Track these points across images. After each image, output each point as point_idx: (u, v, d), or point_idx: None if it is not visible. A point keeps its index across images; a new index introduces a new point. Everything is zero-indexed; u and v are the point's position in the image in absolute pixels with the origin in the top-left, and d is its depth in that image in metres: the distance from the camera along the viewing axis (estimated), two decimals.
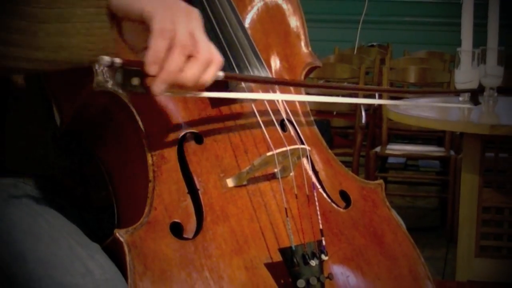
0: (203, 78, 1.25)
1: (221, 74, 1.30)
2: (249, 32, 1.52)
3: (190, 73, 1.22)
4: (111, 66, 1.21)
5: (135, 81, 1.24)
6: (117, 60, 1.20)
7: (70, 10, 1.18)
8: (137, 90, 1.25)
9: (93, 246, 1.31)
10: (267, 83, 1.52)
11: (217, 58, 1.26)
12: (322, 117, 5.27)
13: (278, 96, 1.52)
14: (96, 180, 1.49)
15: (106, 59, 1.19)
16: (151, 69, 1.20)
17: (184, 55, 1.21)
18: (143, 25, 1.21)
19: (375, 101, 4.06)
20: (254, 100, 1.46)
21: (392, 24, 7.89)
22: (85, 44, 1.20)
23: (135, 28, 1.24)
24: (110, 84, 1.34)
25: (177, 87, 1.25)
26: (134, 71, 1.23)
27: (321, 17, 7.31)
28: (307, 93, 1.62)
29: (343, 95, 4.29)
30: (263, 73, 1.49)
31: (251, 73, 1.47)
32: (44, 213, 1.37)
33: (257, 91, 1.48)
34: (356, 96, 4.42)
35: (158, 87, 1.21)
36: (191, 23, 1.23)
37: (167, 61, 1.20)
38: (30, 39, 1.17)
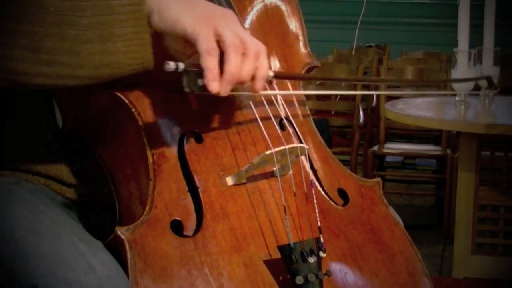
0: (259, 71, 1.30)
1: (271, 73, 1.37)
2: (248, 32, 1.52)
3: (247, 69, 1.28)
4: (176, 70, 1.26)
5: (200, 82, 1.28)
6: (181, 65, 1.26)
7: (110, 31, 1.22)
8: (203, 91, 1.30)
9: (95, 243, 1.31)
10: (302, 79, 1.62)
11: (263, 48, 1.32)
12: (320, 117, 5.27)
13: (292, 92, 1.56)
14: (97, 178, 1.49)
15: (171, 65, 1.25)
16: (213, 86, 1.26)
17: (240, 54, 1.27)
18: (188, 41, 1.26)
19: (374, 92, 4.05)
20: (253, 98, 1.46)
21: (390, 25, 7.88)
22: (125, 60, 1.24)
23: (180, 42, 1.28)
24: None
25: (239, 85, 1.31)
26: (198, 72, 1.28)
27: (319, 18, 7.31)
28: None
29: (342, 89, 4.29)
30: None
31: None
32: (46, 211, 1.37)
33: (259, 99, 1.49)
34: (355, 89, 4.43)
35: (224, 89, 1.27)
36: (232, 24, 1.29)
37: (227, 65, 1.26)
38: (74, 59, 1.21)
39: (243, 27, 1.33)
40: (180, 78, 1.32)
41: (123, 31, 1.22)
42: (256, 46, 1.30)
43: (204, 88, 1.28)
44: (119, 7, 1.22)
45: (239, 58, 1.27)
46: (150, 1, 1.24)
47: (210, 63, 1.24)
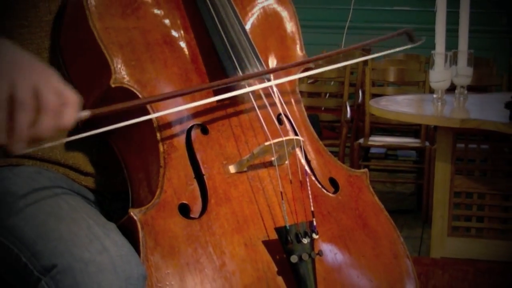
0: (62, 123, 1.11)
1: (85, 113, 1.19)
2: (250, 35, 1.52)
3: (44, 124, 1.09)
4: None
5: None
6: None
7: None
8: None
9: (109, 225, 1.31)
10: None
11: (71, 99, 1.12)
12: (311, 112, 5.26)
13: (270, 83, 1.51)
14: (112, 167, 1.49)
15: None
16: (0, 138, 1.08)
17: (28, 111, 1.07)
18: None
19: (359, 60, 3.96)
20: (254, 95, 1.46)
21: (374, 30, 7.84)
22: None
23: None
24: (126, 81, 1.34)
25: (38, 140, 1.11)
26: None
27: (311, 23, 7.28)
28: (300, 90, 1.62)
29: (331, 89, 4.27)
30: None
31: (252, 72, 1.46)
32: (65, 197, 1.37)
33: (254, 84, 1.47)
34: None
35: (16, 148, 1.09)
36: (31, 78, 1.09)
37: (14, 124, 1.07)
38: None
39: (57, 80, 1.12)
40: None
41: None
42: (58, 99, 1.10)
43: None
44: None
45: (28, 115, 1.07)
46: None
47: None
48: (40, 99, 1.08)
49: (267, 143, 1.38)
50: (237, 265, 1.32)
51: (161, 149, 1.37)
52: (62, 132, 1.16)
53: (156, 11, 1.45)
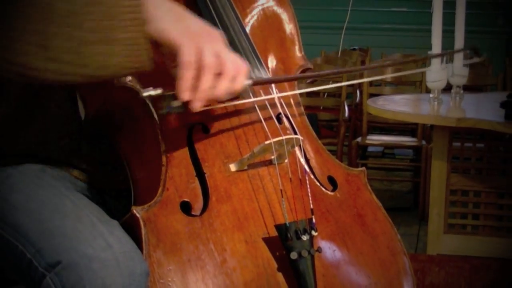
0: (233, 89, 1.27)
1: (249, 82, 1.33)
2: (250, 37, 1.52)
3: (221, 88, 1.26)
4: (152, 95, 1.26)
5: (176, 103, 1.26)
6: (157, 92, 1.25)
7: (112, 35, 1.19)
8: (179, 110, 1.29)
9: (112, 222, 1.31)
10: (282, 82, 1.55)
11: (243, 69, 1.29)
12: (310, 111, 5.26)
13: (278, 94, 1.53)
14: (114, 166, 1.49)
15: (146, 93, 1.25)
16: (184, 96, 1.24)
17: (212, 75, 1.24)
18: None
19: (358, 81, 4.01)
20: (254, 95, 1.46)
21: (372, 31, 7.87)
22: (124, 63, 1.21)
23: (168, 51, 1.25)
24: (129, 81, 1.34)
25: (213, 101, 1.29)
26: (173, 95, 1.25)
27: (309, 24, 7.28)
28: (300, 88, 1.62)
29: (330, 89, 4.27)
30: (262, 73, 1.49)
31: (252, 73, 1.46)
32: (69, 195, 1.37)
33: (257, 89, 1.48)
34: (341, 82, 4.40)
35: (196, 105, 1.25)
36: (215, 44, 1.25)
37: (199, 83, 1.23)
38: (77, 58, 1.18)
39: (227, 47, 1.29)
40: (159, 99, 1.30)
41: (123, 36, 1.20)
42: (234, 68, 1.27)
43: (179, 107, 1.27)
44: (122, 14, 1.19)
45: (211, 78, 1.24)
46: (148, 9, 1.22)
47: (185, 74, 1.22)
48: (222, 65, 1.25)
49: (267, 142, 1.38)
50: (237, 262, 1.32)
51: (163, 148, 1.37)
52: (233, 95, 1.31)
53: None
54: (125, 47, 1.20)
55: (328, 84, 5.69)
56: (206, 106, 1.28)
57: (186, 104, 1.26)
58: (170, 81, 1.26)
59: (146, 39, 1.21)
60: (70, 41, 1.17)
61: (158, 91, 1.26)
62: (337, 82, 5.33)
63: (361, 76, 4.49)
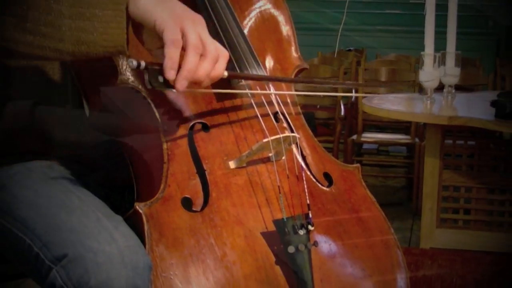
0: (215, 72, 1.25)
1: (226, 73, 1.30)
2: (248, 38, 1.52)
3: (203, 69, 1.23)
4: (138, 67, 1.21)
5: (161, 79, 1.23)
6: (143, 63, 1.21)
7: (90, 11, 1.18)
8: (162, 88, 1.25)
9: (117, 218, 1.31)
10: (262, 80, 1.52)
11: (224, 53, 1.27)
12: (307, 110, 5.26)
13: (270, 91, 1.52)
14: (118, 163, 1.49)
15: (134, 62, 1.19)
16: (169, 74, 1.20)
17: (198, 55, 1.22)
18: (156, 33, 1.21)
19: (352, 95, 4.03)
20: (252, 95, 1.47)
21: (367, 32, 7.86)
22: (101, 41, 1.20)
23: (150, 33, 1.24)
24: (131, 81, 1.34)
25: (194, 84, 1.25)
26: (159, 70, 1.22)
27: (306, 26, 7.28)
28: (296, 90, 1.62)
29: (326, 90, 4.27)
30: (260, 73, 1.49)
31: (250, 73, 1.47)
32: (75, 190, 1.37)
33: (255, 88, 1.49)
34: (336, 90, 4.41)
35: (181, 84, 1.22)
36: (197, 27, 1.23)
37: (184, 63, 1.20)
38: (55, 32, 1.17)
39: (209, 33, 1.26)
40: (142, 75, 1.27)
41: (102, 13, 1.18)
42: (216, 50, 1.24)
43: (164, 84, 1.23)
44: None
45: (196, 58, 1.22)
46: None
47: (171, 52, 1.19)
48: (204, 46, 1.22)
49: (265, 140, 1.38)
50: (237, 256, 1.32)
51: (164, 145, 1.38)
52: (213, 80, 1.28)
53: None
54: (103, 24, 1.19)
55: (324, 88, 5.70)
56: (189, 87, 1.25)
57: (168, 83, 1.23)
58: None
59: (124, 18, 1.19)
60: (48, 13, 1.16)
61: (143, 64, 1.21)
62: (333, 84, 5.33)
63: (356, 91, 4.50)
